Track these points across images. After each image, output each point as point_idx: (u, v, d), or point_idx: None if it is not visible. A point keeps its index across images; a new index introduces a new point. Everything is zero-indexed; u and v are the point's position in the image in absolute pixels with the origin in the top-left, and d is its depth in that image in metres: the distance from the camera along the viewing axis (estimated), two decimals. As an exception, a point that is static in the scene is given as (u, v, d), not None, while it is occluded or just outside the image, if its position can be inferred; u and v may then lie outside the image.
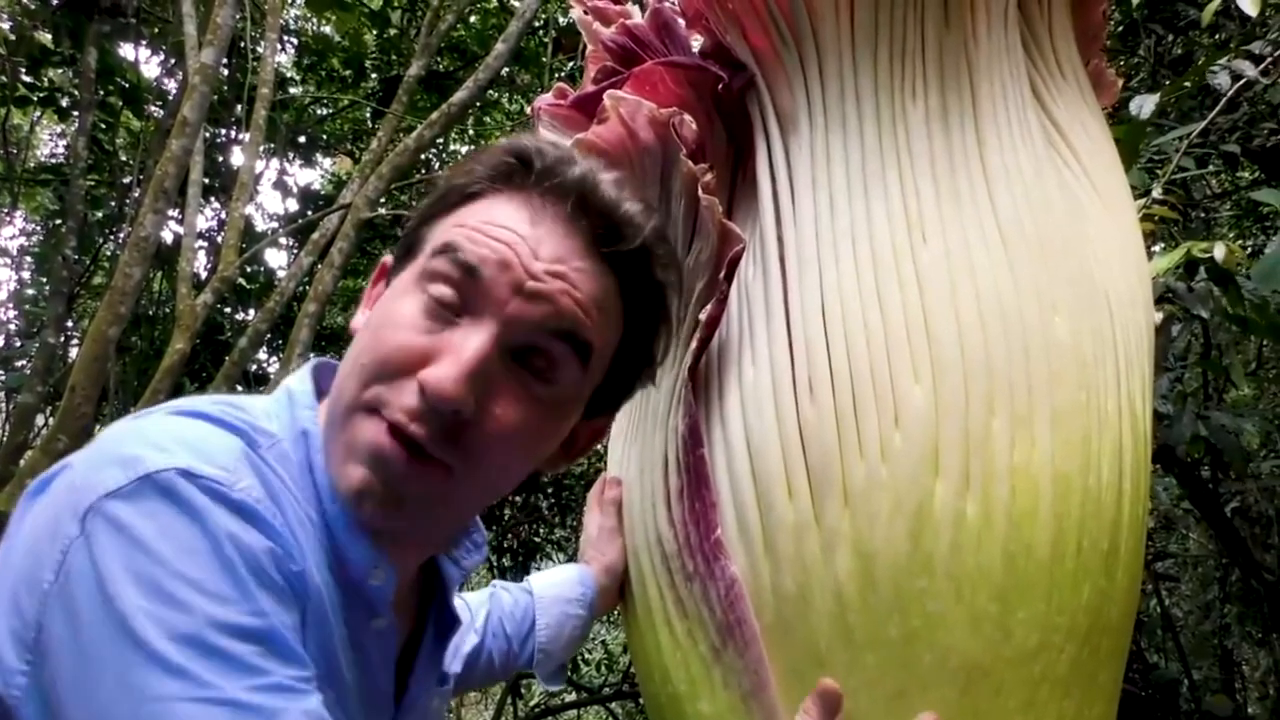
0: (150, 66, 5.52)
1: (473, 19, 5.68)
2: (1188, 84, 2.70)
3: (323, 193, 5.92)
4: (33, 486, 0.72)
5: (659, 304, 0.88)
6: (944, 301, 1.06)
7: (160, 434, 0.70)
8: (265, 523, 0.70)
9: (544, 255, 0.79)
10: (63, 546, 0.65)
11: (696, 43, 1.29)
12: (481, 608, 1.22)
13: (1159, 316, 1.74)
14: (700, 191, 1.08)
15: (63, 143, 6.80)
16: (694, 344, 1.10)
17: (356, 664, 0.79)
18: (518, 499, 5.72)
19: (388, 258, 0.89)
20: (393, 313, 0.79)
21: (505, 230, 0.79)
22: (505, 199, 0.82)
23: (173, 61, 5.21)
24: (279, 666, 0.66)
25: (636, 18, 1.30)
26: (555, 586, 1.25)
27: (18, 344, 5.44)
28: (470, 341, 0.75)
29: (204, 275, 4.62)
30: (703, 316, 1.09)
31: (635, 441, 1.22)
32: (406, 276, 0.81)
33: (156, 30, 5.23)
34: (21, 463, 3.45)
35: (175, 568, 0.64)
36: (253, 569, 0.67)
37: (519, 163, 0.83)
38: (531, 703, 6.56)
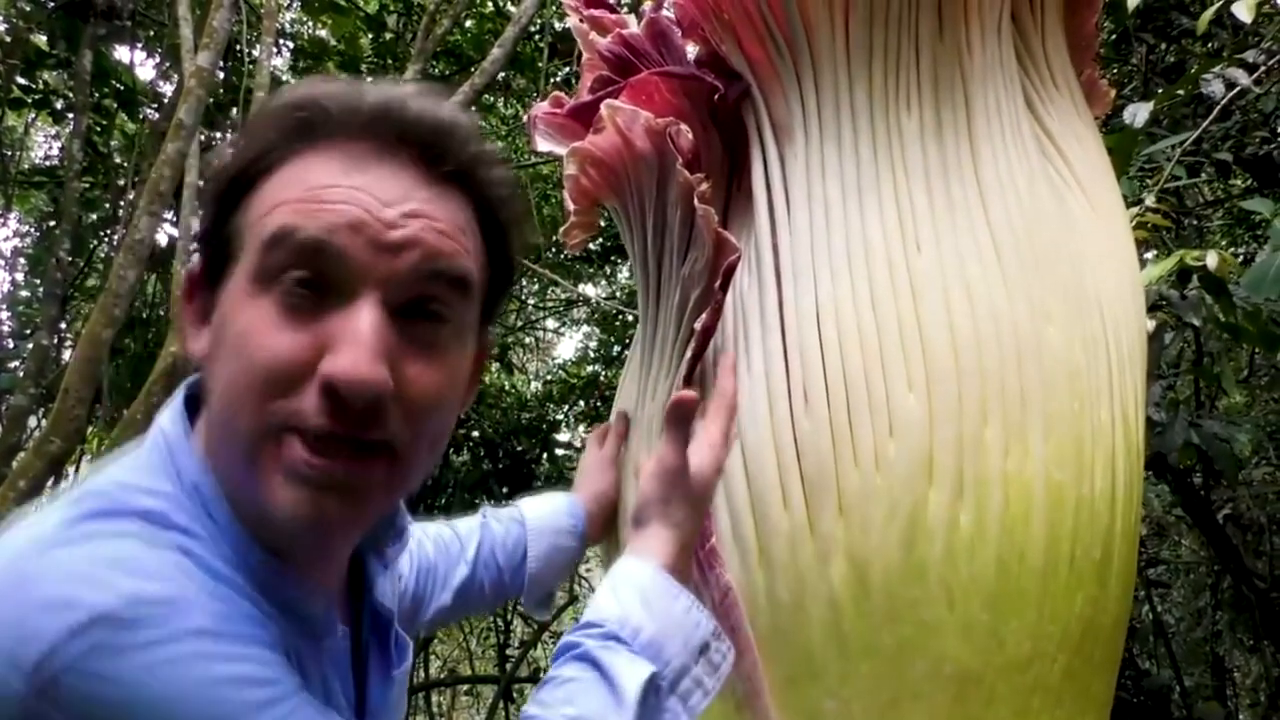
0: (145, 69, 5.52)
1: (469, 23, 5.68)
2: (1181, 92, 2.71)
3: (318, 196, 5.90)
4: None
5: (507, 202, 0.81)
6: (938, 311, 1.06)
7: (81, 564, 0.64)
8: (232, 634, 0.66)
9: (388, 198, 0.71)
10: (11, 704, 0.60)
11: (692, 51, 1.30)
12: (472, 537, 1.19)
13: (1151, 324, 1.75)
14: (696, 201, 1.09)
15: (57, 145, 6.78)
16: (689, 353, 1.10)
17: (322, 693, 0.77)
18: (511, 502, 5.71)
19: (192, 267, 0.79)
20: (248, 326, 0.70)
21: (337, 189, 0.71)
22: (314, 157, 0.73)
23: (168, 64, 5.21)
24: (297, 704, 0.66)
25: (633, 27, 1.31)
26: (545, 517, 1.22)
27: (11, 345, 5.42)
28: (359, 319, 0.69)
29: (198, 278, 4.61)
30: (698, 326, 1.09)
31: (630, 448, 1.22)
32: (238, 284, 0.72)
33: (152, 33, 5.23)
34: (14, 465, 3.45)
35: (161, 692, 0.61)
36: (236, 654, 0.65)
37: (311, 115, 0.74)
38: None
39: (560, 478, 5.65)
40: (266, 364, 0.68)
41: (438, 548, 1.16)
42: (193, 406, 0.79)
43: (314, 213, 0.70)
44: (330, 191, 0.70)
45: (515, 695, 6.18)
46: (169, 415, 0.77)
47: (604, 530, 1.25)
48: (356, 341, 0.68)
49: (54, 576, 0.63)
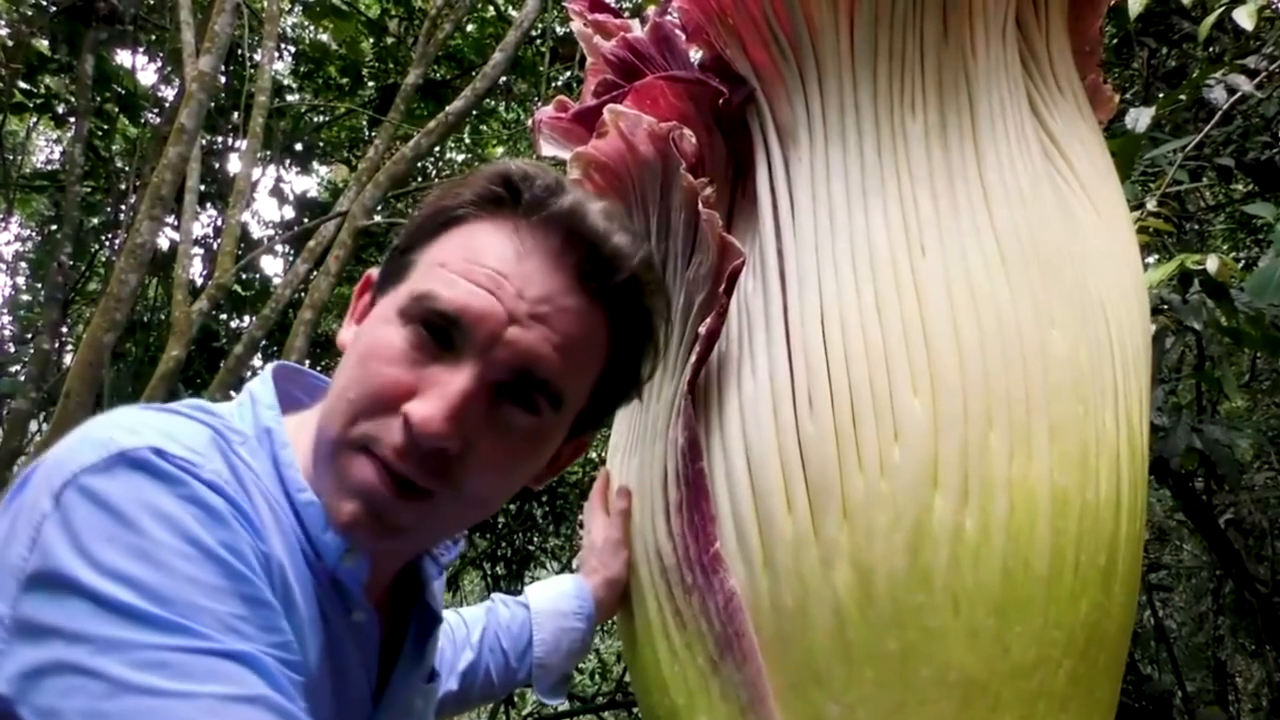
0: (147, 73, 5.53)
1: (470, 27, 5.69)
2: (1183, 97, 2.72)
3: (319, 200, 5.92)
4: (15, 484, 0.73)
5: (646, 332, 0.88)
6: (942, 315, 1.06)
7: (131, 420, 0.73)
8: (232, 501, 0.72)
9: (529, 295, 0.79)
10: (36, 522, 0.66)
11: (696, 56, 1.30)
12: (477, 624, 1.22)
13: (1153, 328, 1.75)
14: (700, 205, 1.09)
15: (59, 149, 6.79)
16: (693, 357, 1.10)
17: (329, 655, 0.80)
18: (512, 507, 5.72)
19: (373, 271, 0.90)
20: (378, 344, 0.80)
21: (488, 271, 0.79)
22: (491, 227, 0.82)
23: (170, 69, 5.21)
24: (261, 633, 0.68)
25: (637, 31, 1.31)
26: (552, 600, 1.24)
27: (12, 350, 5.42)
28: (455, 380, 0.77)
29: (200, 282, 4.62)
30: (702, 330, 1.09)
31: (634, 453, 1.22)
32: (391, 304, 0.82)
33: (154, 37, 5.24)
34: (15, 469, 3.45)
35: (152, 534, 0.66)
36: (224, 540, 0.69)
37: (506, 190, 0.82)
38: (524, 712, 6.55)
39: (561, 480, 5.65)
40: (373, 387, 0.78)
41: (444, 634, 1.17)
42: (279, 385, 0.88)
43: (458, 286, 0.79)
44: (484, 273, 0.79)
45: (516, 700, 6.18)
46: (259, 382, 0.88)
47: (613, 611, 1.24)
48: (443, 396, 0.76)
49: (106, 424, 0.72)
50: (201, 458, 0.72)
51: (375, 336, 0.80)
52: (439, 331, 0.78)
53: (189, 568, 0.66)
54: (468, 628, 1.21)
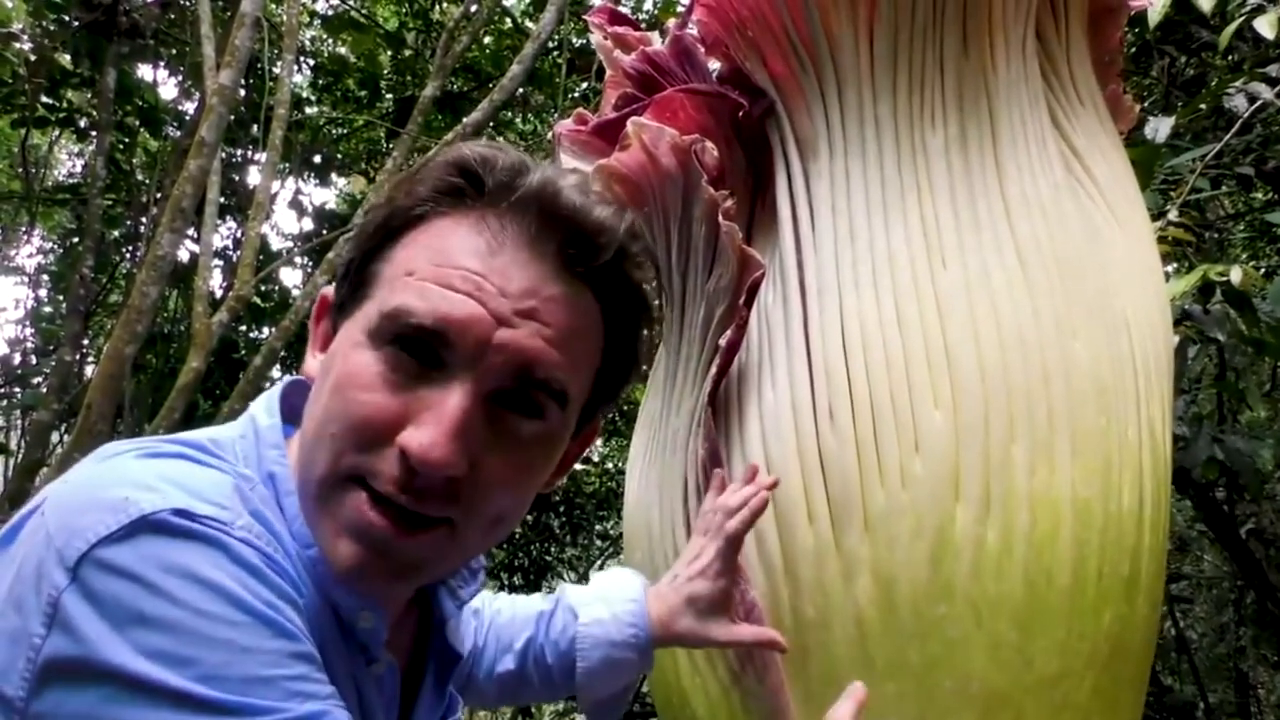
0: (168, 87, 5.57)
1: (487, 40, 5.71)
2: (1203, 106, 2.71)
3: (338, 212, 5.95)
4: (8, 528, 0.67)
5: (640, 306, 0.81)
6: (963, 327, 1.06)
7: (144, 474, 0.66)
8: (270, 558, 0.67)
9: (512, 291, 0.71)
10: (50, 597, 0.60)
11: (715, 68, 1.30)
12: (524, 630, 1.13)
13: (1175, 340, 1.74)
14: (721, 217, 1.09)
15: (81, 162, 6.86)
16: (714, 369, 1.10)
17: (359, 709, 0.77)
18: (529, 518, 5.73)
19: (327, 290, 0.82)
20: (352, 372, 0.72)
21: (463, 272, 0.71)
22: (455, 223, 0.74)
23: (190, 82, 5.26)
24: (321, 687, 0.65)
25: (656, 44, 1.31)
26: (604, 626, 1.08)
27: (34, 362, 5.47)
28: (449, 400, 0.70)
29: (220, 294, 4.65)
30: (723, 342, 1.09)
31: (655, 464, 1.22)
32: (358, 326, 0.74)
33: (174, 52, 5.28)
34: (37, 481, 3.47)
35: (193, 604, 0.61)
36: (269, 599, 0.65)
37: (465, 179, 0.75)
38: (542, 722, 6.54)
39: (578, 491, 5.65)
40: (356, 418, 0.70)
41: (492, 630, 1.13)
42: (288, 403, 0.82)
43: (433, 296, 0.71)
44: (459, 275, 0.71)
45: (534, 711, 6.17)
46: (264, 406, 0.80)
47: (674, 640, 1.08)
48: (440, 421, 0.69)
49: (116, 480, 0.65)
50: (229, 512, 0.66)
51: (347, 364, 0.72)
52: (419, 348, 0.70)
53: (239, 636, 0.61)
54: (514, 630, 1.13)
